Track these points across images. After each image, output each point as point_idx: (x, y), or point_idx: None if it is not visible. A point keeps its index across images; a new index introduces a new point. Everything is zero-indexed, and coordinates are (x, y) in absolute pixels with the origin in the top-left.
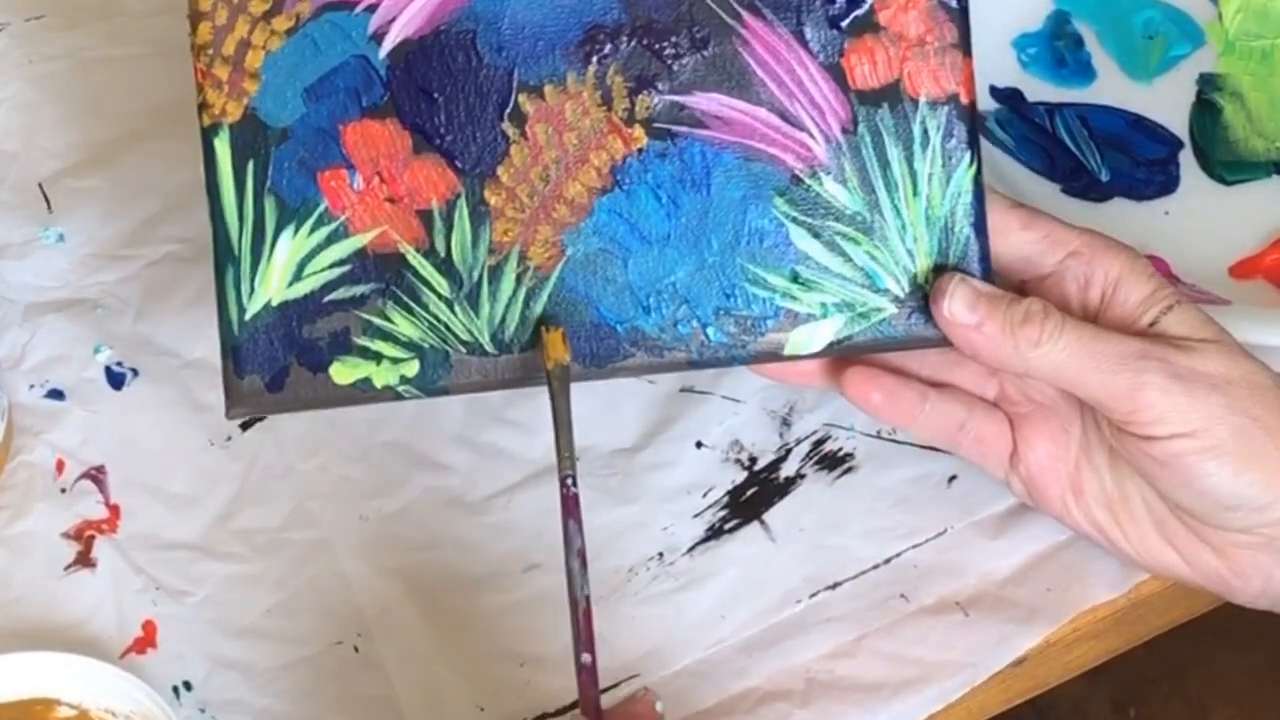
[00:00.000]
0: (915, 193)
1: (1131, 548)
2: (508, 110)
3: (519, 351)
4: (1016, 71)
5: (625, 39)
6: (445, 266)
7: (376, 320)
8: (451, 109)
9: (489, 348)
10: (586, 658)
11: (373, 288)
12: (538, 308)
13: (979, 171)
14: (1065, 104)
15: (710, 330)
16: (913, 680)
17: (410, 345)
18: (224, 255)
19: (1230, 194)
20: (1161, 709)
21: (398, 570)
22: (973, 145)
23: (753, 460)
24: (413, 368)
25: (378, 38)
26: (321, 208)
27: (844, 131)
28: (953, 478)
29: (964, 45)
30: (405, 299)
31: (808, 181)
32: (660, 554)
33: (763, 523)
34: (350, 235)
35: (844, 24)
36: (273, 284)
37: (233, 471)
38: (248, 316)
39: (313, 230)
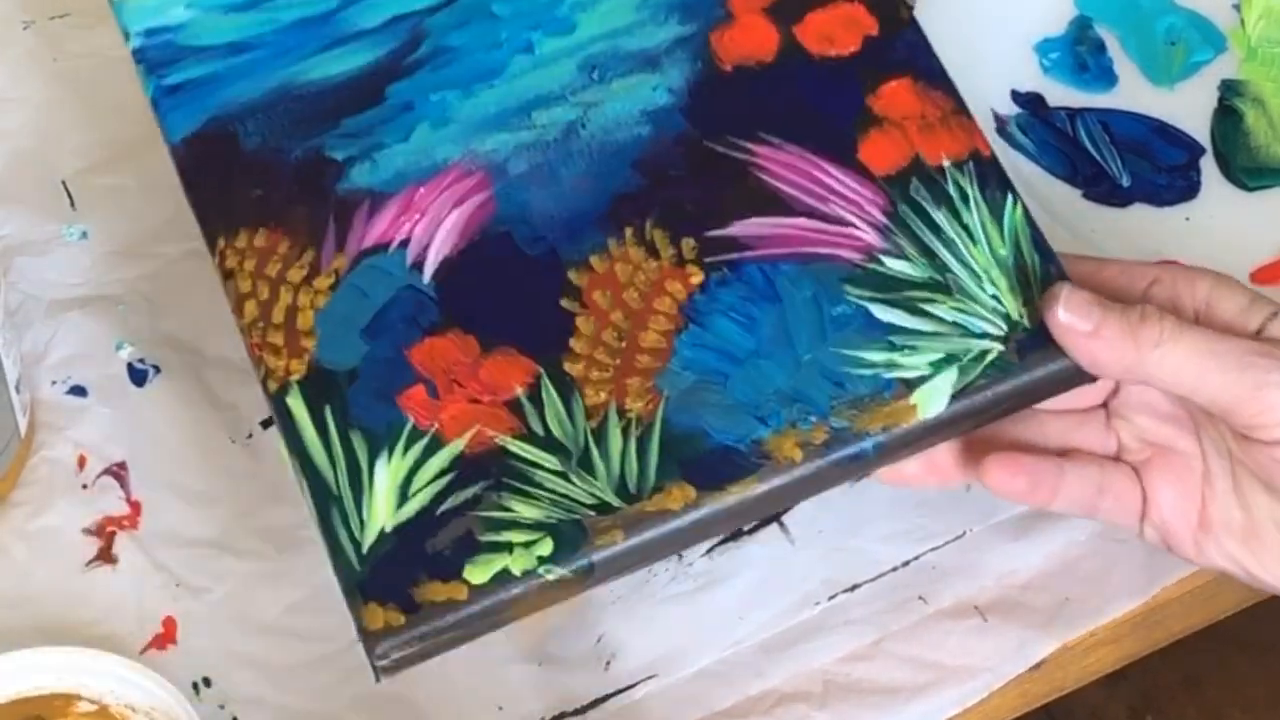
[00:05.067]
0: (974, 241)
1: (1268, 574)
2: (561, 289)
3: (649, 496)
4: (1038, 76)
5: (650, 198)
6: (548, 443)
7: (496, 514)
8: (508, 305)
9: (616, 503)
10: None
11: (484, 485)
12: (653, 451)
13: (1025, 209)
14: (1087, 109)
15: (832, 420)
16: (930, 683)
17: (538, 525)
18: (323, 501)
19: (1251, 200)
20: (1178, 716)
21: None
22: (1008, 187)
23: None
24: (547, 545)
25: (419, 266)
26: (409, 427)
27: (886, 214)
28: None
29: (962, 108)
30: (519, 485)
31: (870, 266)
32: (679, 555)
33: (782, 524)
34: (445, 444)
35: (847, 127)
36: (380, 512)
37: (254, 469)
38: (365, 549)
39: (406, 450)
